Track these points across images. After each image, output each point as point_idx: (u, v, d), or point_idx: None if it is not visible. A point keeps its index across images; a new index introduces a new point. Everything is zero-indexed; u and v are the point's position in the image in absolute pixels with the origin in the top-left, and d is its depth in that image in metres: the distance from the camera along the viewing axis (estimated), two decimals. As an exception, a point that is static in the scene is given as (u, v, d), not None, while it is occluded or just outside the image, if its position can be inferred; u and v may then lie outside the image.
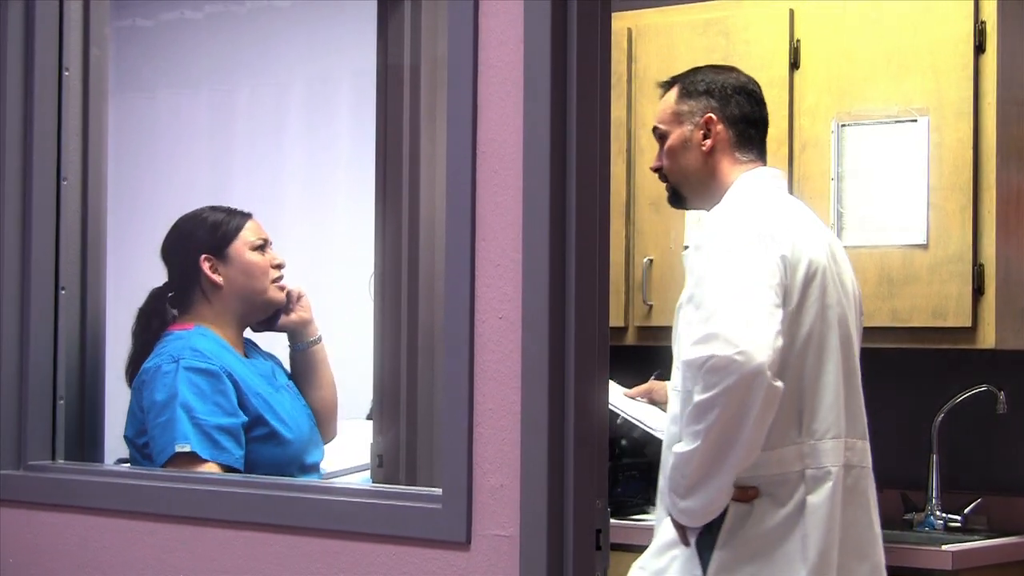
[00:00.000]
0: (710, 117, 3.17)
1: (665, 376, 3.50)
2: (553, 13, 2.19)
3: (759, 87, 3.27)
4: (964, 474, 4.15)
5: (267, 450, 3.14)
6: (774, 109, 4.25)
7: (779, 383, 2.80)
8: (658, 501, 3.10)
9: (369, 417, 3.65)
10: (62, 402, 2.89)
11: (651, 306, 4.43)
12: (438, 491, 2.30)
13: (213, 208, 3.31)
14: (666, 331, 4.42)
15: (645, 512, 4.44)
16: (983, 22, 3.93)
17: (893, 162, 4.01)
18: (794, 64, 4.24)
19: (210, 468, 3.01)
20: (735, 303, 2.83)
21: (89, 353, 2.96)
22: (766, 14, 4.29)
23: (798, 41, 4.23)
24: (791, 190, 4.25)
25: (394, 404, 3.32)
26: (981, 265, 3.88)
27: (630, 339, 4.46)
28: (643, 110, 4.47)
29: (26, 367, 2.86)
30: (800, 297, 2.93)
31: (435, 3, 3.46)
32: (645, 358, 4.55)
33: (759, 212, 3.03)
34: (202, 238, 3.25)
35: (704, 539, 2.93)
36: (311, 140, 5.29)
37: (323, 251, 4.93)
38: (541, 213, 2.18)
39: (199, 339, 3.16)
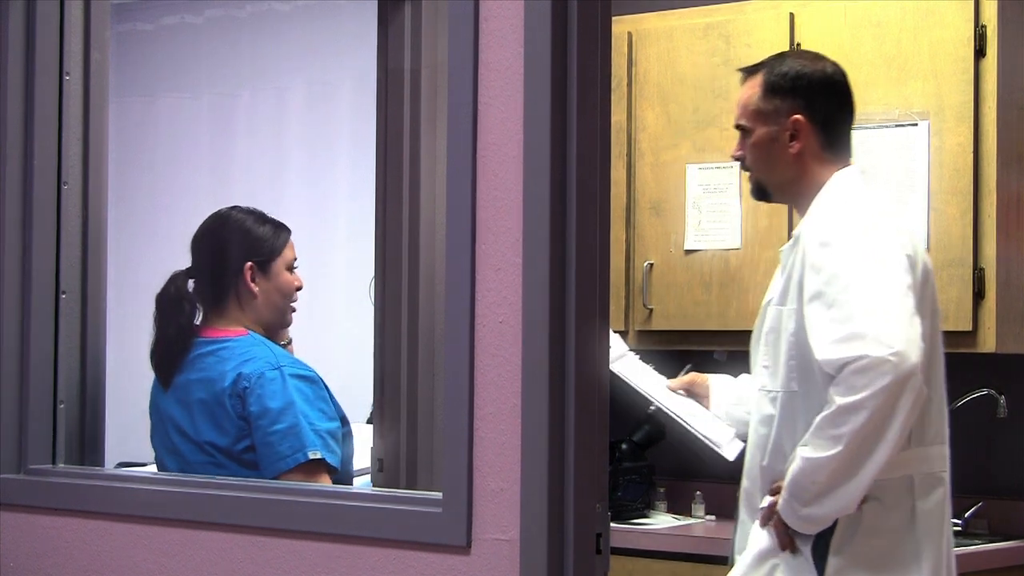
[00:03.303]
0: (798, 119, 3.03)
1: (699, 370, 3.50)
2: (553, 16, 2.19)
3: (845, 75, 3.12)
4: (965, 478, 4.15)
5: (347, 450, 3.20)
6: (774, 113, 4.27)
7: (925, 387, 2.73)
8: (741, 508, 3.02)
9: (369, 421, 3.65)
10: (63, 406, 2.89)
11: (651, 310, 4.43)
12: (438, 495, 2.30)
13: (261, 216, 3.30)
14: (666, 335, 4.44)
15: (645, 516, 4.44)
16: (983, 26, 3.94)
17: (894, 166, 4.01)
18: (794, 68, 4.24)
19: (325, 478, 3.07)
20: (881, 302, 2.73)
21: (89, 357, 2.96)
22: (767, 18, 4.30)
23: (798, 45, 4.23)
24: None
25: (394, 408, 3.31)
26: (982, 269, 3.88)
27: (630, 343, 4.46)
28: (643, 114, 4.47)
29: (27, 371, 2.86)
30: (918, 298, 2.83)
31: (435, 6, 3.46)
32: (646, 362, 4.55)
33: (880, 210, 2.95)
34: (248, 246, 3.25)
35: (817, 546, 2.83)
36: (311, 144, 5.30)
37: (323, 255, 4.93)
38: (541, 217, 2.18)
39: (274, 346, 3.20)
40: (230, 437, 3.10)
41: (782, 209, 4.24)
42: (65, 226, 2.92)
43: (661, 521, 4.41)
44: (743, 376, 3.34)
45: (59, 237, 2.91)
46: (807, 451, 2.75)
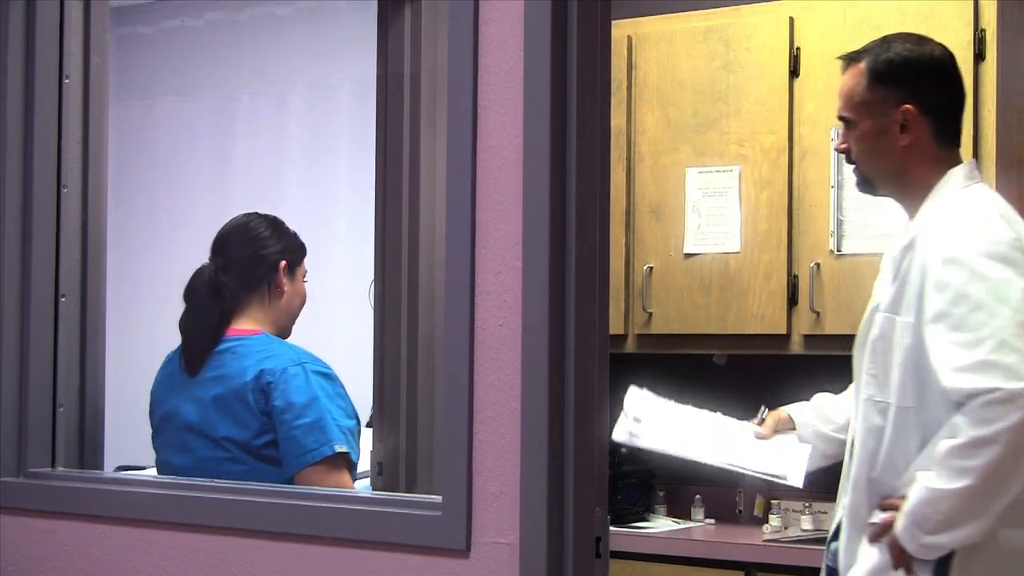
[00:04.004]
0: (908, 109, 2.84)
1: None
2: (553, 20, 2.19)
3: (954, 58, 2.92)
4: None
5: (357, 448, 3.23)
6: (774, 117, 4.28)
7: None
8: (845, 521, 2.87)
9: (369, 424, 3.65)
10: (62, 409, 2.89)
11: (651, 314, 4.43)
12: (438, 498, 2.30)
13: (284, 224, 3.36)
14: (666, 339, 4.44)
15: (644, 520, 4.44)
16: (983, 30, 3.94)
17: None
18: (794, 72, 4.25)
19: (347, 473, 3.12)
20: (1011, 329, 2.58)
21: (89, 360, 2.96)
22: (766, 21, 4.30)
23: (798, 49, 4.24)
24: (789, 198, 4.27)
25: (394, 411, 3.32)
26: (981, 272, 3.88)
27: (630, 347, 4.46)
28: (643, 117, 4.47)
29: (26, 374, 2.86)
30: None
31: (435, 11, 3.46)
32: (645, 366, 4.55)
33: (1006, 223, 2.76)
34: (283, 246, 3.31)
35: (938, 571, 2.70)
36: (311, 147, 5.30)
37: (323, 258, 4.93)
38: (541, 221, 2.18)
39: (291, 343, 3.24)
40: (251, 431, 3.11)
41: (781, 212, 4.25)
42: (65, 229, 2.92)
43: (660, 525, 4.41)
44: (819, 396, 3.23)
45: (58, 240, 2.91)
46: (932, 480, 2.61)
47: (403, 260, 3.84)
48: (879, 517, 2.76)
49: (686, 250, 4.41)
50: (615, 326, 4.38)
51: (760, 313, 4.26)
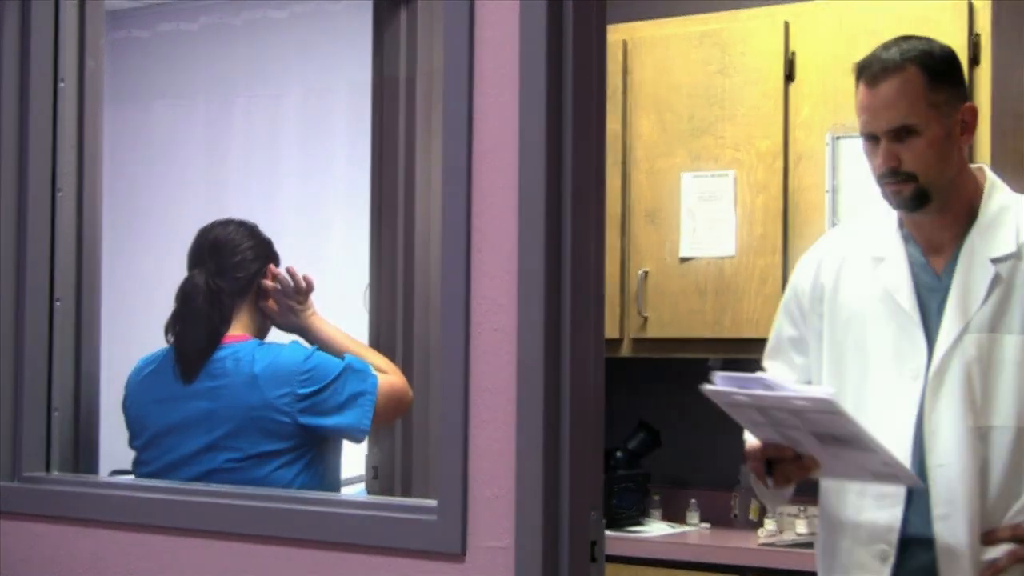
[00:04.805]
0: (971, 107, 2.67)
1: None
2: (549, 24, 2.19)
3: None
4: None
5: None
6: (769, 121, 4.28)
7: None
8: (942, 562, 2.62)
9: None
10: (57, 413, 2.89)
11: (646, 318, 4.43)
12: (433, 503, 2.30)
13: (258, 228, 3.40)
14: (661, 343, 4.44)
15: (640, 524, 4.44)
16: (977, 34, 3.94)
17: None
18: (789, 76, 4.25)
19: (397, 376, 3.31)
20: None
21: (84, 364, 2.95)
22: (761, 26, 4.30)
23: (793, 53, 4.24)
24: (784, 202, 4.27)
25: (389, 415, 3.32)
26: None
27: (625, 351, 4.46)
28: (638, 122, 4.48)
29: (21, 378, 2.85)
30: None
31: (430, 15, 3.47)
32: (640, 370, 4.56)
33: None
34: (269, 252, 3.33)
35: None
36: (306, 151, 5.30)
37: (318, 262, 4.93)
38: (537, 225, 2.18)
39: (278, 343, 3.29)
40: (278, 438, 3.13)
41: (777, 216, 4.25)
42: (60, 233, 2.92)
43: (656, 529, 4.41)
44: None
45: (53, 244, 2.91)
46: None
47: (398, 264, 3.84)
48: (998, 551, 2.57)
49: (681, 254, 4.41)
50: (610, 330, 4.38)
51: (755, 317, 4.26)
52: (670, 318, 4.42)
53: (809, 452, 2.53)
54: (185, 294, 3.24)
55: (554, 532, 2.17)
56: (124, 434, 3.33)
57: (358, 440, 3.24)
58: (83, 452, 2.96)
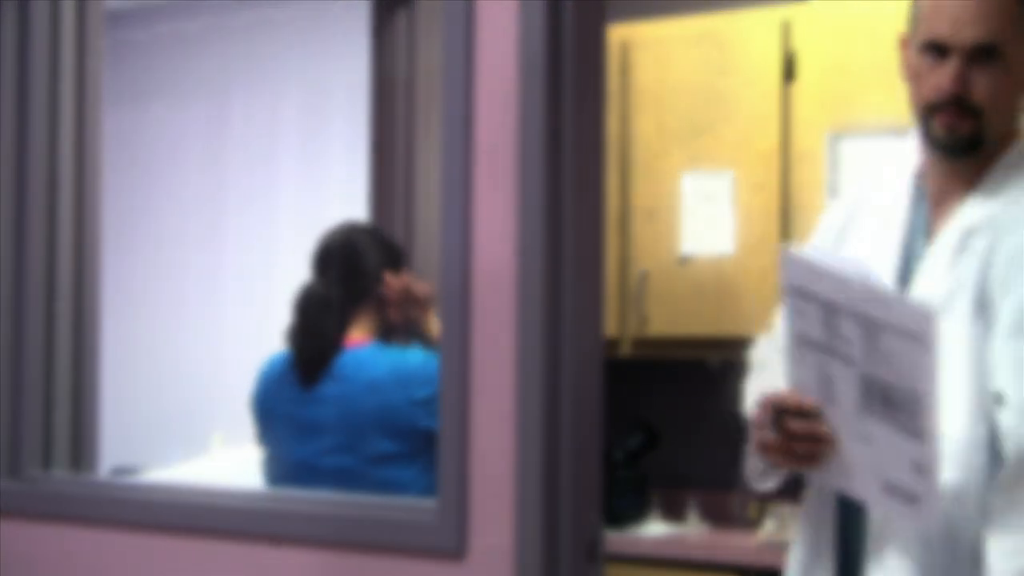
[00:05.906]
0: None
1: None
2: (548, 24, 2.20)
3: None
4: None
5: None
6: (768, 121, 4.28)
7: None
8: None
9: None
10: (57, 413, 2.89)
11: (645, 318, 4.43)
12: (433, 502, 2.30)
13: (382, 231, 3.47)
14: (661, 343, 4.44)
15: (639, 523, 4.44)
16: (976, 34, 3.94)
17: (887, 174, 4.01)
18: (788, 76, 4.25)
19: None
20: None
21: (84, 364, 2.96)
22: (760, 26, 4.30)
23: (792, 53, 4.24)
24: (784, 203, 4.27)
25: (389, 415, 3.32)
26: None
27: (625, 351, 4.46)
28: (637, 122, 4.48)
29: (21, 377, 2.86)
30: None
31: (429, 15, 3.47)
32: (640, 370, 4.56)
33: None
34: (390, 258, 3.37)
35: None
36: (305, 151, 5.30)
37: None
38: (536, 224, 2.18)
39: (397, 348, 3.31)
40: (399, 439, 3.15)
41: (775, 216, 4.25)
42: (59, 233, 2.92)
43: (655, 529, 4.41)
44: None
45: (53, 244, 2.91)
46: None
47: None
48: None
49: (681, 254, 4.41)
50: (610, 330, 4.38)
51: (755, 317, 4.26)
52: (669, 318, 4.42)
53: (835, 423, 2.17)
54: (307, 301, 3.29)
55: (553, 532, 2.17)
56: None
57: None
58: (83, 451, 2.96)
